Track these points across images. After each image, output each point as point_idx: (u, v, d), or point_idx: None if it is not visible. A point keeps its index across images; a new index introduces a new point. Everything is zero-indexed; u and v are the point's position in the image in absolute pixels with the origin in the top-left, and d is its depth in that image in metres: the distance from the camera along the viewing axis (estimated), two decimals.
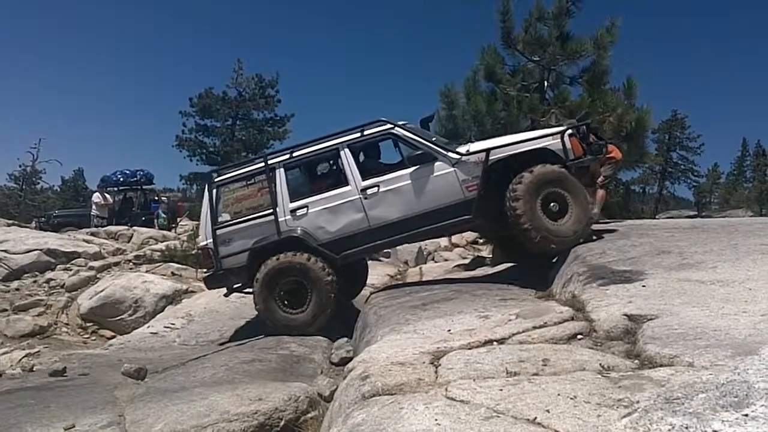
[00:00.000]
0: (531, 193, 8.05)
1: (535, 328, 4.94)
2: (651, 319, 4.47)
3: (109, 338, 11.69)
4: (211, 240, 9.39)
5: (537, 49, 12.82)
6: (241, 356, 7.74)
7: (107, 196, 22.02)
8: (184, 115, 42.06)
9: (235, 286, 9.75)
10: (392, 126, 9.03)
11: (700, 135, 55.19)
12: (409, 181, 8.71)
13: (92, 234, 17.18)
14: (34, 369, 8.89)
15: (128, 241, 16.67)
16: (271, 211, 9.10)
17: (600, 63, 12.68)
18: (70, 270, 13.90)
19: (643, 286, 5.53)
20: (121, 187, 23.21)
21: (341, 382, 4.85)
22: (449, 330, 5.36)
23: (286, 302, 9.09)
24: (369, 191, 8.82)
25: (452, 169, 8.56)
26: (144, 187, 23.64)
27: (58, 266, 14.05)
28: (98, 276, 13.78)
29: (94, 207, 21.59)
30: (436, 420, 3.14)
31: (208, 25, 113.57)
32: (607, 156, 10.02)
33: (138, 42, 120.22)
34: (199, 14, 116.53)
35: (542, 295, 7.08)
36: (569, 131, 8.45)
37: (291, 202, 9.13)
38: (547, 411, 3.07)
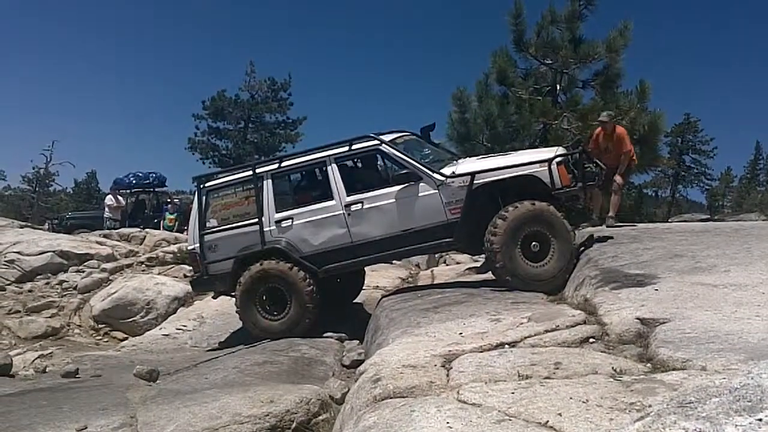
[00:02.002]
0: (510, 236, 7.85)
1: (547, 331, 4.94)
2: (663, 323, 4.46)
3: (122, 340, 11.73)
4: (198, 245, 9.47)
5: (549, 53, 12.79)
6: (252, 358, 7.75)
7: (120, 198, 22.03)
8: (197, 118, 42.19)
9: (220, 291, 9.89)
10: (380, 142, 8.92)
11: (713, 138, 54.86)
12: (393, 200, 8.64)
13: (105, 236, 17.21)
14: (46, 370, 8.94)
15: (141, 243, 16.69)
16: (257, 220, 9.15)
17: (612, 66, 12.64)
18: (83, 272, 13.95)
19: (656, 289, 5.52)
20: (133, 190, 23.26)
21: (353, 385, 4.85)
22: (461, 333, 5.35)
23: (266, 308, 9.20)
24: (353, 207, 8.78)
25: (436, 190, 8.44)
26: (156, 189, 23.67)
27: (71, 268, 14.09)
28: (111, 278, 13.82)
29: (106, 209, 21.60)
30: (447, 423, 3.14)
31: (221, 28, 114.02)
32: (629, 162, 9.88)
33: (151, 45, 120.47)
34: (212, 17, 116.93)
35: (554, 298, 7.07)
36: (557, 159, 8.15)
37: (277, 212, 9.17)
38: (559, 414, 3.07)
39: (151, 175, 23.43)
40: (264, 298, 9.18)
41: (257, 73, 43.11)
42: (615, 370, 3.76)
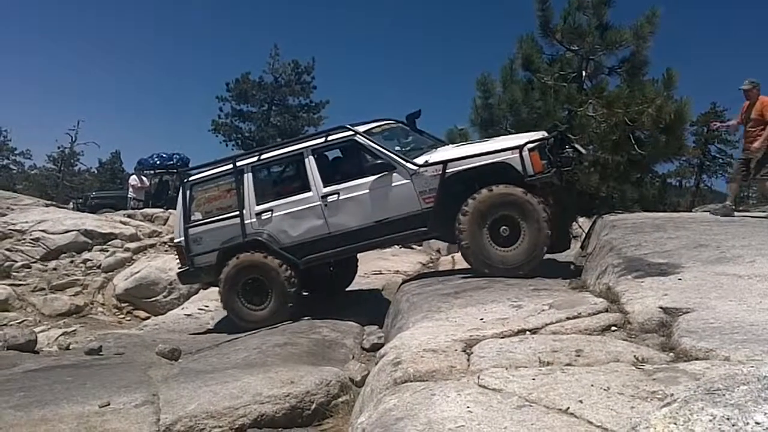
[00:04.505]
0: (477, 220, 7.97)
1: (568, 318, 4.91)
2: (686, 313, 4.43)
3: (144, 319, 11.86)
4: (184, 238, 9.67)
5: (575, 39, 12.64)
6: (273, 339, 7.79)
7: (144, 178, 22.19)
8: (221, 100, 42.36)
9: (208, 282, 10.17)
10: (354, 133, 8.98)
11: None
12: (368, 190, 8.70)
13: (129, 216, 17.34)
14: (70, 347, 9.06)
15: (164, 224, 16.79)
16: (238, 213, 9.29)
17: (639, 53, 12.48)
18: (107, 251, 14.07)
19: (679, 279, 5.47)
20: (157, 170, 23.40)
21: (373, 368, 4.86)
22: (482, 318, 5.34)
23: (249, 298, 9.34)
24: (329, 198, 8.87)
25: (409, 180, 8.47)
26: (180, 170, 23.77)
27: (95, 247, 14.22)
28: (134, 257, 13.96)
29: (130, 189, 21.77)
30: (467, 407, 3.14)
31: (246, 11, 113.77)
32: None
33: (176, 27, 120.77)
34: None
35: (576, 285, 7.03)
36: (530, 145, 8.10)
37: (257, 204, 9.32)
38: (580, 401, 3.06)
39: (174, 156, 23.53)
40: (246, 289, 9.31)
41: (281, 56, 43.22)
42: (637, 359, 3.74)
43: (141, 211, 18.40)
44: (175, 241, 10.23)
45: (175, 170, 23.48)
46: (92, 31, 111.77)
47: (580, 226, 11.12)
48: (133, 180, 22.09)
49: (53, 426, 5.16)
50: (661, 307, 4.65)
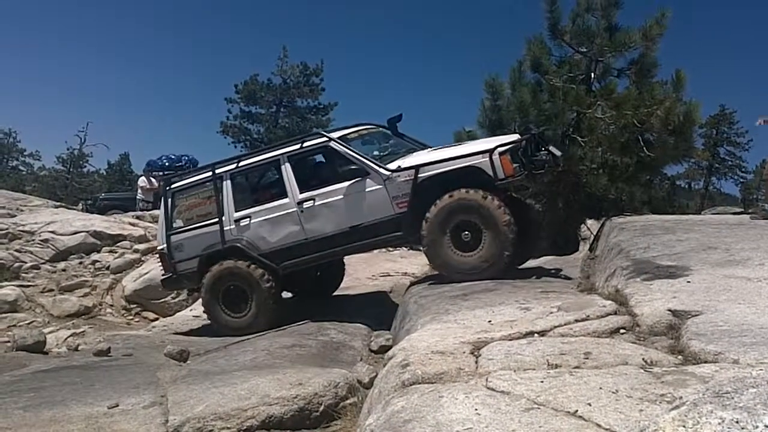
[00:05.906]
0: (437, 224, 8.05)
1: (577, 321, 4.90)
2: (695, 315, 4.41)
3: (153, 320, 11.90)
4: (166, 245, 9.77)
5: (584, 41, 12.62)
6: (281, 341, 7.80)
7: (153, 180, 22.21)
8: (229, 102, 42.56)
9: (191, 289, 10.36)
10: (328, 139, 9.07)
11: (748, 131, 53.88)
12: (342, 196, 8.75)
13: (137, 217, 17.42)
14: (79, 348, 9.10)
15: None
16: (217, 220, 9.38)
17: (648, 55, 12.45)
18: (116, 252, 14.13)
19: (688, 281, 5.45)
20: (166, 172, 23.43)
21: (381, 370, 4.86)
22: (490, 321, 5.33)
23: (229, 305, 9.40)
24: (305, 204, 8.93)
25: (382, 185, 8.51)
26: (163, 176, 23.78)
27: (104, 248, 14.28)
28: (143, 258, 13.99)
29: (139, 191, 21.86)
30: (475, 410, 3.14)
31: (254, 12, 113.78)
32: None
33: (184, 28, 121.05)
34: (245, 1, 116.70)
35: (584, 288, 7.00)
36: (500, 149, 8.09)
37: (236, 211, 9.39)
38: (589, 404, 3.05)
39: (183, 157, 23.58)
40: (227, 295, 9.38)
41: (290, 58, 43.33)
42: (645, 362, 3.73)
43: (150, 212, 18.43)
44: (158, 248, 10.35)
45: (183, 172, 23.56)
46: (101, 32, 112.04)
47: (588, 228, 11.10)
48: (142, 181, 22.17)
49: (62, 426, 5.17)
50: (669, 310, 4.63)
